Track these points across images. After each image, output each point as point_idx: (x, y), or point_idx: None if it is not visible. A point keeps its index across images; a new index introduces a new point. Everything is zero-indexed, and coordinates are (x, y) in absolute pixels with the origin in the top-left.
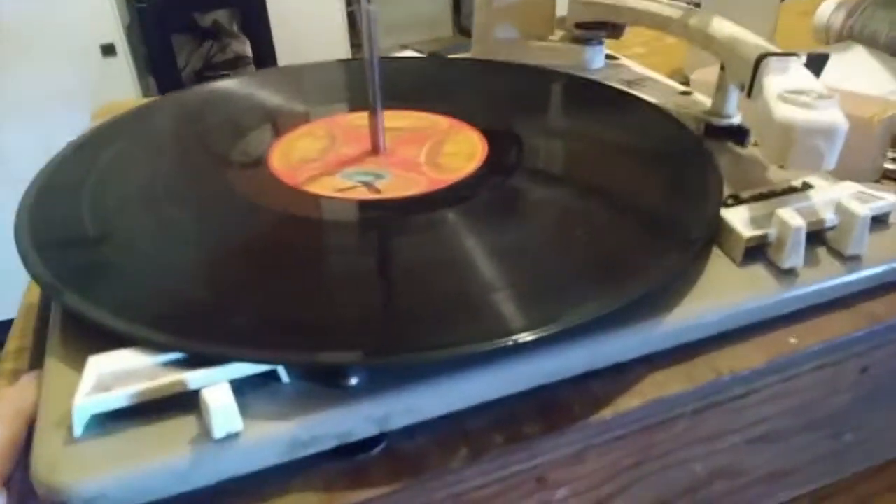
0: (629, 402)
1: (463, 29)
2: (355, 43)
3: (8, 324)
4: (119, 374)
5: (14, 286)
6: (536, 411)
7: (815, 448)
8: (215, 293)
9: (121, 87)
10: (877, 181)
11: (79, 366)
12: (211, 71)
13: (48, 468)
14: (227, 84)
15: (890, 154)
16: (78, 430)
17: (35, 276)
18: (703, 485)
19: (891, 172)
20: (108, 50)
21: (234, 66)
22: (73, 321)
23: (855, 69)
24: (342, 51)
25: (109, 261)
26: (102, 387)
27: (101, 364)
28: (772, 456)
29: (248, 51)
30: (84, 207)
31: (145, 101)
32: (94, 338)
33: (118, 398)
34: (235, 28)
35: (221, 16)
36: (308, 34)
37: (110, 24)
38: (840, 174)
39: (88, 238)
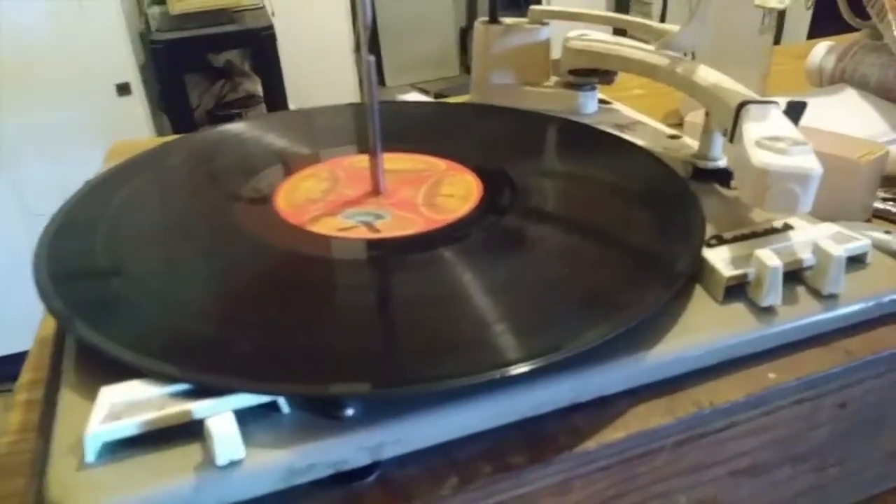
0: (612, 434)
1: (469, 68)
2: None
3: (19, 356)
4: (129, 403)
5: (25, 319)
6: (523, 442)
7: (800, 482)
8: (221, 327)
9: (134, 125)
10: (867, 220)
11: (91, 395)
12: (223, 109)
13: (62, 492)
14: (236, 127)
15: (880, 194)
16: (90, 457)
17: (52, 310)
18: None
19: (881, 212)
20: (124, 89)
21: (245, 104)
22: (87, 353)
23: (846, 111)
24: (351, 88)
25: (121, 295)
26: (114, 416)
27: (113, 394)
28: (756, 489)
29: (260, 90)
30: (98, 244)
31: (157, 140)
32: (106, 368)
33: (128, 427)
34: (247, 67)
35: (234, 56)
36: (317, 73)
37: (126, 64)
38: (830, 214)
39: (102, 274)
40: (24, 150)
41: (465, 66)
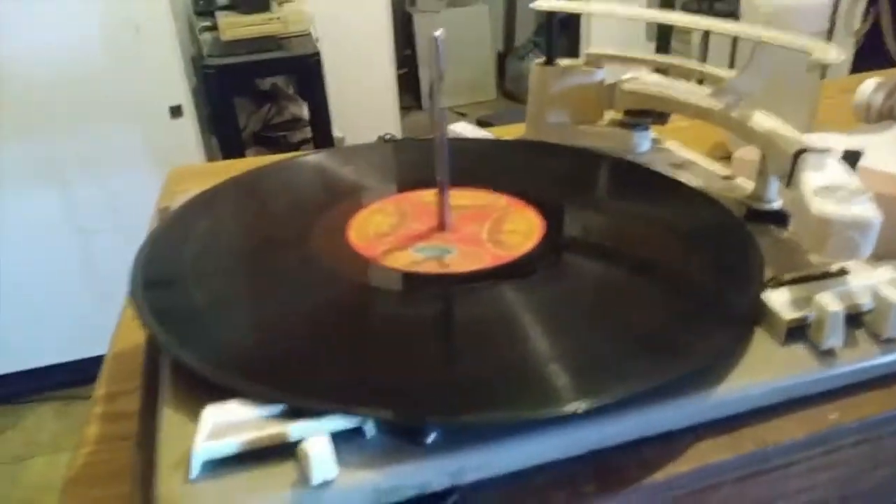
0: (678, 467)
1: (506, 92)
2: (404, 105)
3: (67, 365)
4: (230, 424)
5: (73, 329)
6: (593, 472)
7: None
8: (312, 353)
9: (185, 146)
10: None
11: (191, 413)
12: (269, 131)
13: None
14: (308, 160)
15: None
16: (195, 473)
17: (153, 335)
18: None
19: None
20: (176, 111)
21: (290, 127)
22: (184, 372)
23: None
24: (392, 113)
25: (218, 322)
26: (216, 434)
27: (215, 415)
28: None
29: (305, 113)
30: (189, 271)
31: (210, 164)
32: (202, 387)
33: (230, 446)
34: (292, 91)
35: (280, 80)
36: (361, 97)
37: (179, 88)
38: (883, 252)
39: (195, 298)
40: (77, 168)
41: (503, 91)
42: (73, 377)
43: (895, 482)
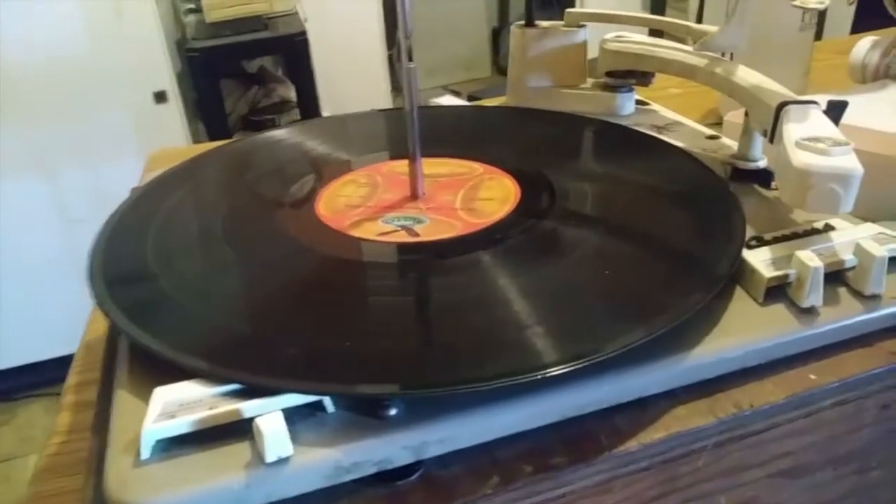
0: (653, 434)
1: (501, 69)
2: (396, 86)
3: (57, 361)
4: (182, 403)
5: (61, 323)
6: (564, 443)
7: (841, 484)
8: (268, 329)
9: (170, 132)
10: None
11: (145, 395)
12: (257, 115)
13: (119, 488)
14: (277, 134)
15: None
16: (145, 454)
17: (106, 314)
18: None
19: None
20: (161, 97)
21: (279, 110)
22: (139, 355)
23: (890, 108)
24: (383, 93)
25: (172, 299)
26: (167, 415)
27: (166, 394)
28: (796, 491)
29: (293, 95)
30: (149, 250)
31: (195, 147)
32: (158, 370)
33: (181, 425)
34: (280, 73)
35: (267, 62)
36: (350, 78)
37: (163, 72)
38: (871, 213)
39: (153, 279)
40: (61, 157)
41: (497, 68)
42: (65, 373)
43: (875, 445)
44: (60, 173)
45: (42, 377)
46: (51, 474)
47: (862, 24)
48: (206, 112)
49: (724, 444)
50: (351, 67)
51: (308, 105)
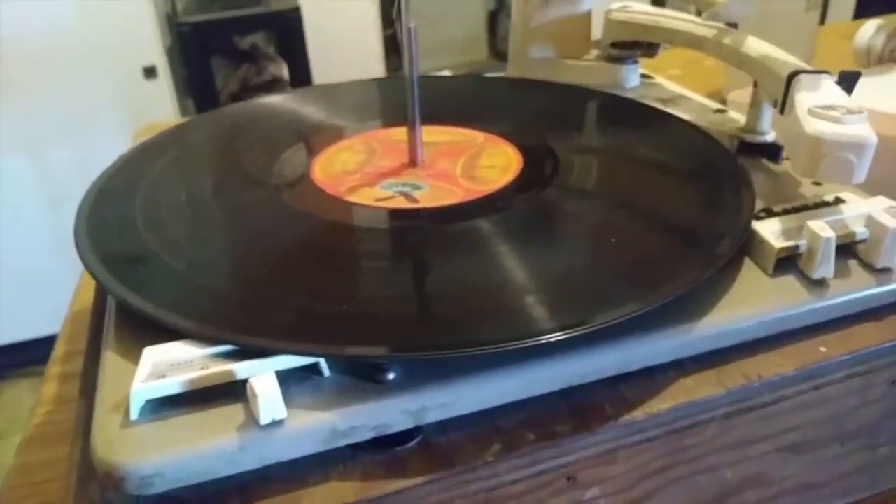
0: (660, 404)
1: (498, 52)
2: (391, 67)
3: (46, 340)
4: (172, 363)
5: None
6: (568, 411)
7: (848, 460)
8: (263, 291)
9: (160, 109)
10: None
11: (134, 357)
12: (248, 93)
13: (107, 448)
14: (272, 100)
15: None
16: (134, 414)
17: (94, 274)
18: (734, 492)
19: None
20: (150, 72)
21: (270, 88)
22: (129, 316)
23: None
24: (378, 74)
25: (161, 261)
26: (157, 375)
27: (156, 354)
28: (803, 466)
29: (285, 73)
30: (139, 211)
31: (184, 119)
32: (148, 331)
33: (171, 385)
34: (273, 50)
35: (259, 38)
36: (344, 57)
37: (153, 47)
38: (879, 194)
39: (142, 241)
40: (49, 134)
41: (494, 50)
42: (51, 352)
43: (884, 421)
44: (47, 150)
45: (29, 356)
46: (37, 444)
47: (865, 7)
48: (197, 88)
49: (731, 416)
50: (344, 46)
51: (301, 84)
